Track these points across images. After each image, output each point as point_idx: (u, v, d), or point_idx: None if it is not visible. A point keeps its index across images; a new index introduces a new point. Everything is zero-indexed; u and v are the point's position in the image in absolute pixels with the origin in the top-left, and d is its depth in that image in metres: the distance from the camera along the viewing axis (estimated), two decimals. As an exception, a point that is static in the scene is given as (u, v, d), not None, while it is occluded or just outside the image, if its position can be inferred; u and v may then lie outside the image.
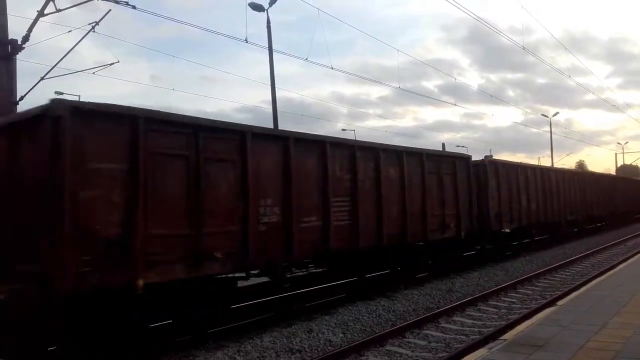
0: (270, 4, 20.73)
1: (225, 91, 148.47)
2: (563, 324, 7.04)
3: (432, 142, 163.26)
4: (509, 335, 6.85)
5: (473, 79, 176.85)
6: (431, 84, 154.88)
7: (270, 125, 19.92)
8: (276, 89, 21.22)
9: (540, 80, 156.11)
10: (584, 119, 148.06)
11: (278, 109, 21.08)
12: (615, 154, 72.19)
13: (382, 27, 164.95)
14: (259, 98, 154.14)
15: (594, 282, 11.37)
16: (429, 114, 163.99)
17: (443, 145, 38.81)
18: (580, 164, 79.44)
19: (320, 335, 8.84)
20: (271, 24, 20.85)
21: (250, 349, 8.02)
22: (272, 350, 8.00)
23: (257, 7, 20.62)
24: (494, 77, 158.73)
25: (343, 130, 53.37)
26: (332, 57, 22.85)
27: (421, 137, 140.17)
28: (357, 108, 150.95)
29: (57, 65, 14.93)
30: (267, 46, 20.84)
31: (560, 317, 7.53)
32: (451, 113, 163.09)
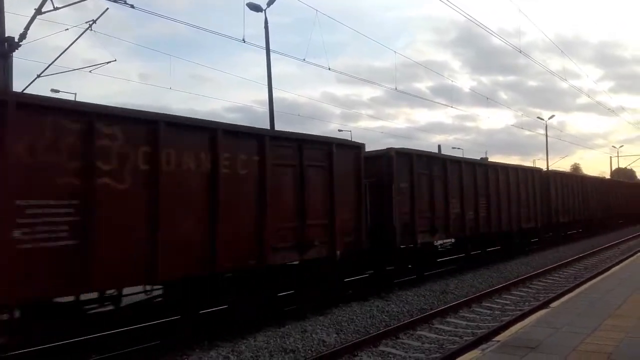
0: (269, 4, 20.73)
1: (218, 91, 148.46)
2: (556, 326, 7.08)
3: (426, 143, 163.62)
4: (502, 336, 6.88)
5: (464, 81, 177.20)
6: (423, 86, 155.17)
7: (266, 125, 19.91)
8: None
9: (532, 83, 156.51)
10: (576, 122, 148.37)
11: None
12: (610, 157, 72.33)
13: (377, 29, 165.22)
14: (251, 98, 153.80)
15: (587, 284, 11.42)
16: (422, 116, 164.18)
17: (439, 147, 38.99)
18: (575, 167, 79.83)
19: (314, 336, 8.85)
20: (269, 25, 20.86)
21: (244, 349, 8.02)
22: (265, 350, 8.01)
23: (255, 7, 20.63)
24: (485, 79, 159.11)
25: (340, 130, 53.47)
26: (325, 59, 22.81)
27: (415, 138, 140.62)
28: (349, 109, 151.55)
29: (53, 63, 14.88)
30: (265, 46, 20.85)
31: (553, 319, 7.57)
32: (444, 115, 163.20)
